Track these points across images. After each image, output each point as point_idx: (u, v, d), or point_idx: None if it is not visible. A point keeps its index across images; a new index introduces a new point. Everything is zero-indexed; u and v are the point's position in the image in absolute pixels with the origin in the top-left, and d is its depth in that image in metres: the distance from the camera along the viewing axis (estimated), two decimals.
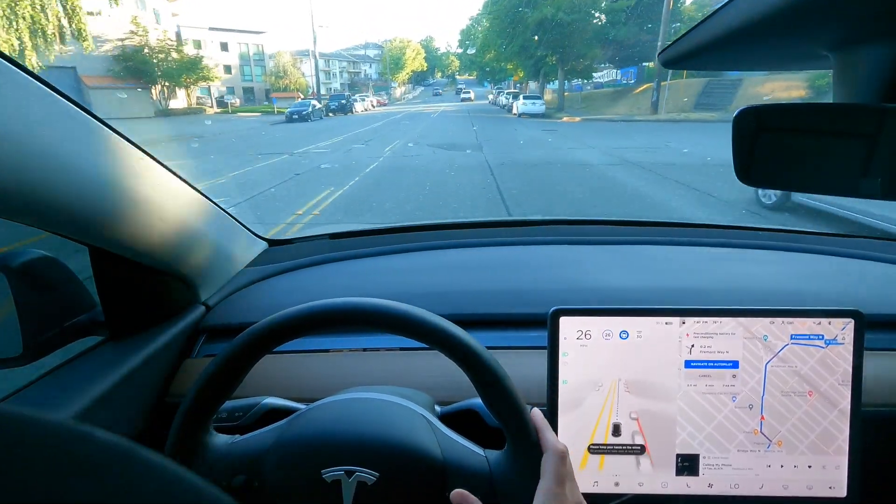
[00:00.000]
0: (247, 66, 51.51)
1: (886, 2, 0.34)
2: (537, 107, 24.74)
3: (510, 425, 0.52)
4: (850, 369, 0.62)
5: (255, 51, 51.93)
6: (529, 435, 0.52)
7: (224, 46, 49.19)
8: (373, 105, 42.60)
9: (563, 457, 0.50)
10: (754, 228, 1.21)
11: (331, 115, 30.47)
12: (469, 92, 57.60)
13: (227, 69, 49.00)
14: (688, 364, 0.63)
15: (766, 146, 0.44)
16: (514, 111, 25.99)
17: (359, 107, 35.96)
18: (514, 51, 31.45)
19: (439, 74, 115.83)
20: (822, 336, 0.62)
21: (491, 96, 48.72)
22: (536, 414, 0.54)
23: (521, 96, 27.13)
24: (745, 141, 0.44)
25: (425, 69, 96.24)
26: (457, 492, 0.50)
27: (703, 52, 0.48)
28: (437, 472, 0.53)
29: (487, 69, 51.22)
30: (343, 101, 32.97)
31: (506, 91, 40.33)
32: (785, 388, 0.63)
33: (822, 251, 1.09)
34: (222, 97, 44.65)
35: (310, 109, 26.01)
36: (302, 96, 43.42)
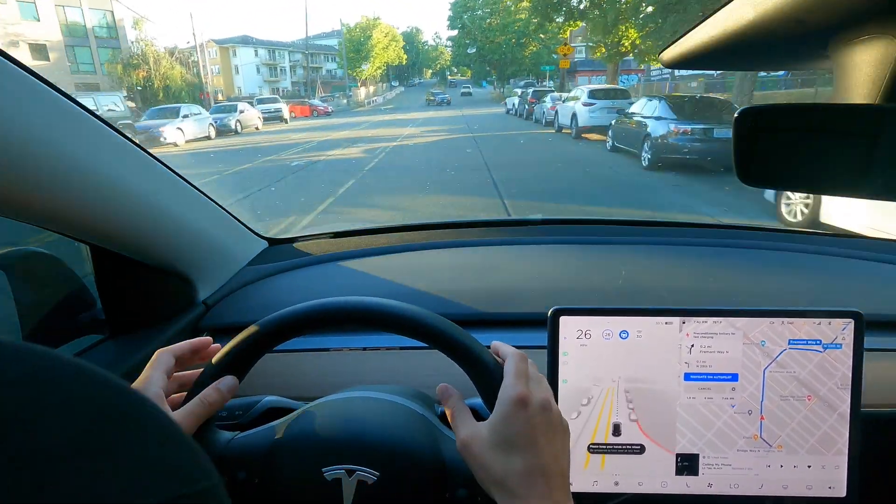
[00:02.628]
0: (83, 49, 29.53)
1: (884, 0, 0.34)
2: None
3: None
4: (849, 372, 0.62)
5: (98, 22, 29.85)
6: None
7: (28, 12, 26.85)
8: (259, 124, 20.59)
9: (522, 357, 0.51)
10: (754, 228, 1.21)
11: None
12: (468, 86, 51.07)
13: (41, 51, 27.22)
14: (687, 377, 0.63)
15: (766, 146, 0.44)
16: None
17: (171, 133, 14.81)
18: None
19: (428, 74, 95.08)
20: (820, 341, 0.62)
21: (515, 99, 23.36)
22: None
23: None
24: (745, 141, 0.44)
25: (404, 62, 74.09)
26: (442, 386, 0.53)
27: (703, 53, 0.48)
28: (438, 472, 0.53)
29: (496, 57, 41.06)
30: None
31: (563, 91, 17.35)
32: (784, 393, 0.63)
33: (822, 251, 1.09)
34: None
35: None
36: None
